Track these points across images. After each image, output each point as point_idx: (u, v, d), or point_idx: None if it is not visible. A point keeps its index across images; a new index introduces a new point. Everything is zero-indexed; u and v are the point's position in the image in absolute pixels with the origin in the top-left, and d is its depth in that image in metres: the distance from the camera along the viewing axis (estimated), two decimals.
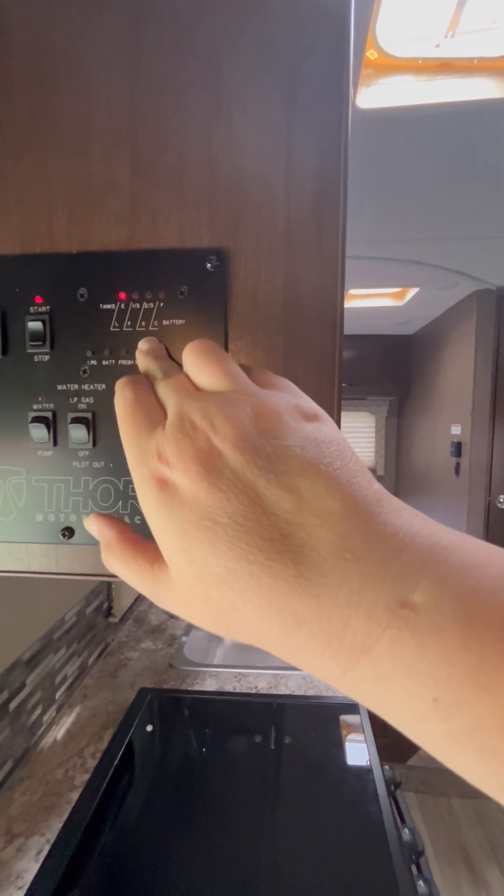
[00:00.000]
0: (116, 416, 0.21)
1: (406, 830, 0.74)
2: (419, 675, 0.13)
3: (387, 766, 0.86)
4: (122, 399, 0.21)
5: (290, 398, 0.20)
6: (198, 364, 0.20)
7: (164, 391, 0.21)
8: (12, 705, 0.83)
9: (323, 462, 0.17)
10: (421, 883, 0.66)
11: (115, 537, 0.21)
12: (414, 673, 0.13)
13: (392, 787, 0.83)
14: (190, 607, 0.18)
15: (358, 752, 0.89)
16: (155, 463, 0.18)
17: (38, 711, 0.91)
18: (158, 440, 0.18)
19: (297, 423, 0.18)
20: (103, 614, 1.27)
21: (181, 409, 0.19)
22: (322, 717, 0.98)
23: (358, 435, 3.89)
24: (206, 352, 0.20)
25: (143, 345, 0.25)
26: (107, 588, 1.29)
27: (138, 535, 0.21)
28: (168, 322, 0.27)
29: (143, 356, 0.24)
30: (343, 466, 0.17)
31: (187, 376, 0.21)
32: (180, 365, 0.22)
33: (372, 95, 1.07)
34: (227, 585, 0.16)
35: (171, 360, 0.24)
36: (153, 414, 0.20)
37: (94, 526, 0.22)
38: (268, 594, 0.16)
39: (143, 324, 0.27)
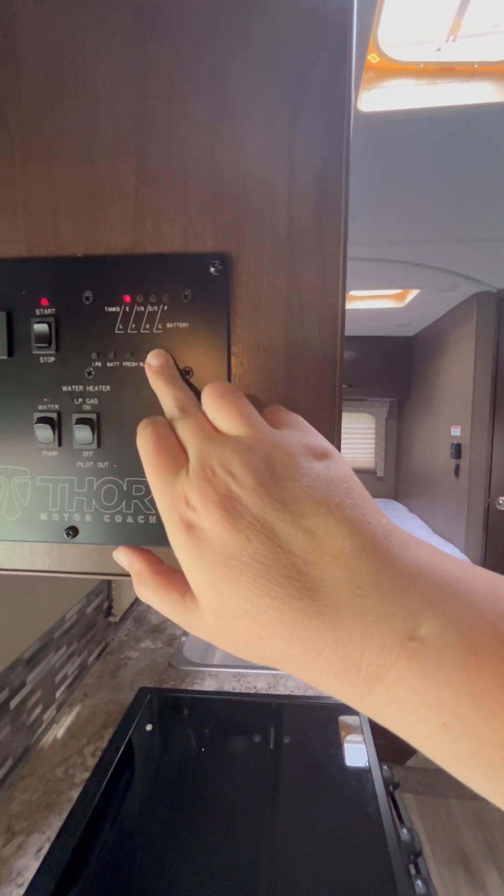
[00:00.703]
0: (141, 458, 0.22)
1: (404, 831, 0.74)
2: (428, 701, 0.15)
3: (385, 767, 0.86)
4: (145, 441, 0.22)
5: (301, 437, 0.21)
6: (215, 407, 0.22)
7: (184, 433, 0.22)
8: (13, 703, 0.83)
9: (333, 501, 0.19)
10: (419, 883, 0.66)
11: (146, 569, 0.22)
12: (423, 699, 0.15)
13: (391, 787, 0.83)
14: (220, 636, 0.20)
15: (357, 752, 0.89)
16: (182, 507, 0.20)
17: (38, 710, 0.91)
18: (184, 485, 0.20)
19: (309, 464, 0.20)
20: (103, 614, 1.27)
21: (202, 455, 0.20)
22: (321, 718, 0.98)
23: (358, 436, 3.89)
24: (224, 395, 0.22)
25: (152, 360, 0.27)
26: (107, 587, 1.29)
27: (167, 566, 0.23)
28: (172, 325, 0.28)
29: (157, 378, 0.26)
30: (352, 504, 0.19)
31: (205, 415, 0.22)
32: (188, 381, 0.24)
33: (373, 99, 1.08)
34: (251, 619, 0.18)
35: (185, 387, 0.25)
36: (176, 455, 0.21)
37: (123, 558, 0.24)
38: (289, 627, 0.17)
39: (148, 326, 0.28)
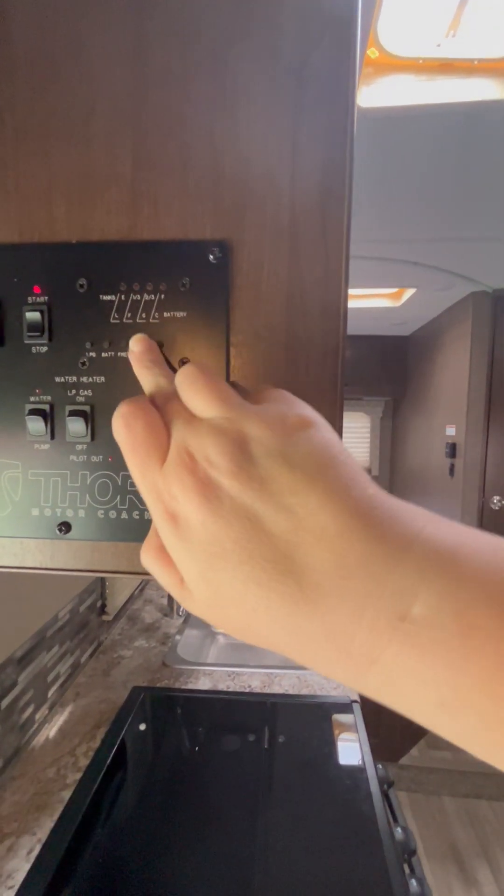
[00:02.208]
0: (119, 444, 0.21)
1: (399, 829, 0.74)
2: (425, 682, 0.14)
3: (380, 765, 0.86)
4: (120, 427, 0.21)
5: (279, 410, 0.20)
6: (189, 390, 0.21)
7: (165, 419, 0.21)
8: (4, 703, 0.82)
9: (313, 475, 0.18)
10: (413, 882, 0.66)
11: (154, 543, 0.22)
12: (420, 680, 0.14)
13: (385, 785, 0.83)
14: (214, 620, 0.20)
15: (351, 750, 0.89)
16: (166, 498, 0.19)
17: (29, 710, 0.90)
18: (165, 476, 0.19)
19: (286, 438, 0.19)
20: (97, 612, 1.26)
21: (178, 442, 0.20)
22: (315, 716, 0.98)
23: (353, 435, 3.90)
24: (196, 376, 0.21)
25: (134, 345, 0.25)
26: (100, 586, 1.28)
27: None
28: (169, 314, 0.27)
29: (138, 364, 0.24)
30: (335, 476, 0.18)
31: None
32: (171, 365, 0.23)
33: (372, 94, 1.07)
34: (240, 607, 0.18)
35: (168, 372, 0.24)
36: (156, 442, 0.20)
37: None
38: (276, 613, 0.17)
39: (144, 316, 0.27)
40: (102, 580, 1.28)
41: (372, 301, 2.73)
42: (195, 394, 0.21)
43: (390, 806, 0.81)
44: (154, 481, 0.20)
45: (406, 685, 0.15)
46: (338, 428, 0.28)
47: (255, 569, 0.17)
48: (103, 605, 1.30)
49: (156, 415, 0.21)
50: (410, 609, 0.15)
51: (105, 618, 1.30)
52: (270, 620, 0.17)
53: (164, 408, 0.22)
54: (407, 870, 0.69)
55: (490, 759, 0.15)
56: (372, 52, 1.04)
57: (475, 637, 0.14)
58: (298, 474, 0.18)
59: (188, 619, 1.42)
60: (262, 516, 0.17)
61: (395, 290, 2.63)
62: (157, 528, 0.20)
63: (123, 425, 0.21)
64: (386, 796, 0.81)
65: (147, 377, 0.24)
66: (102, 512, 0.28)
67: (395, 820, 0.78)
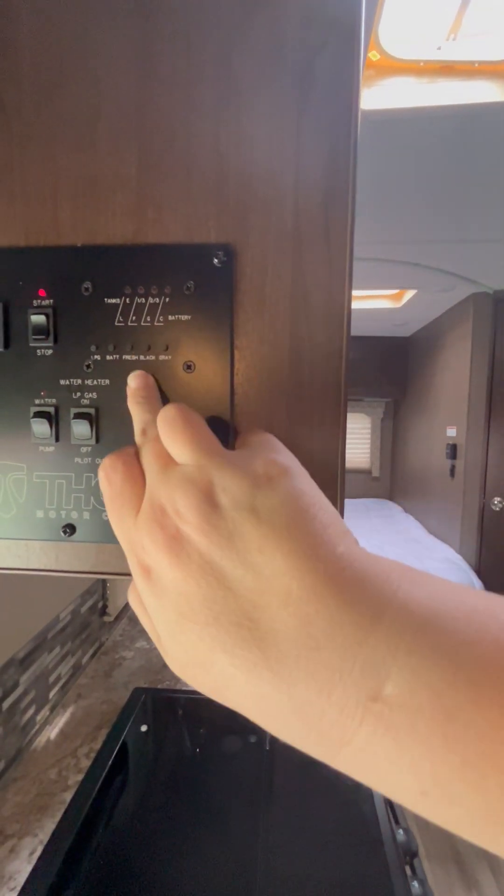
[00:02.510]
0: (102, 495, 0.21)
1: (400, 831, 0.74)
2: (402, 769, 0.13)
3: None
4: (102, 480, 0.21)
5: (253, 458, 0.20)
6: (165, 434, 0.21)
7: (143, 463, 0.21)
8: (5, 704, 0.82)
9: (281, 532, 0.17)
10: (415, 884, 0.66)
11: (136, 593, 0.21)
12: (397, 767, 0.13)
13: None
14: (188, 680, 0.18)
15: None
16: (139, 551, 0.19)
17: (31, 711, 0.90)
18: (138, 528, 0.19)
19: (257, 490, 0.18)
20: (98, 613, 1.26)
21: (151, 494, 0.19)
22: None
23: (354, 436, 3.90)
24: (173, 420, 0.20)
25: (130, 381, 0.26)
26: (102, 587, 1.28)
27: None
28: (174, 317, 0.27)
29: (130, 401, 0.25)
30: (304, 532, 0.17)
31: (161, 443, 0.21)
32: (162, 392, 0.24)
33: (373, 96, 1.07)
34: (207, 671, 0.17)
35: (157, 410, 0.24)
36: (134, 493, 0.20)
37: None
38: (244, 683, 0.16)
39: (149, 319, 0.27)
40: (104, 582, 1.28)
41: (373, 302, 2.74)
42: (172, 438, 0.20)
43: (392, 808, 0.81)
44: (129, 533, 0.19)
45: (382, 770, 0.14)
46: (341, 429, 0.28)
47: (220, 632, 0.16)
48: (104, 607, 1.30)
49: (135, 466, 0.21)
50: (382, 688, 0.13)
51: (106, 619, 1.30)
52: (238, 689, 0.16)
53: (144, 449, 0.22)
54: (408, 871, 0.69)
55: (487, 847, 0.13)
56: (373, 55, 1.04)
57: (456, 724, 0.13)
58: (265, 529, 0.17)
59: None
60: (228, 574, 0.16)
61: (395, 291, 2.63)
62: (134, 579, 0.19)
63: (104, 477, 0.21)
64: (387, 798, 0.81)
65: (136, 413, 0.24)
66: (106, 514, 0.28)
67: (397, 822, 0.78)
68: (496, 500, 2.41)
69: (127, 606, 1.45)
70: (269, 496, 0.18)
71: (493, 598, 0.15)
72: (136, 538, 0.19)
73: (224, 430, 0.26)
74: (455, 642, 0.13)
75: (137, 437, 0.23)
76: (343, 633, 0.14)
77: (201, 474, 0.18)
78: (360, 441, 3.92)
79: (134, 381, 0.26)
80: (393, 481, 3.84)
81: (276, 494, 0.18)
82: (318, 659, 0.14)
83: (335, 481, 0.28)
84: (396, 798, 0.14)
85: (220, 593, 0.16)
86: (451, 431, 2.62)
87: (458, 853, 1.69)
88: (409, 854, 0.72)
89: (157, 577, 0.18)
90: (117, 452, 0.22)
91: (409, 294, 2.51)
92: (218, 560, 0.17)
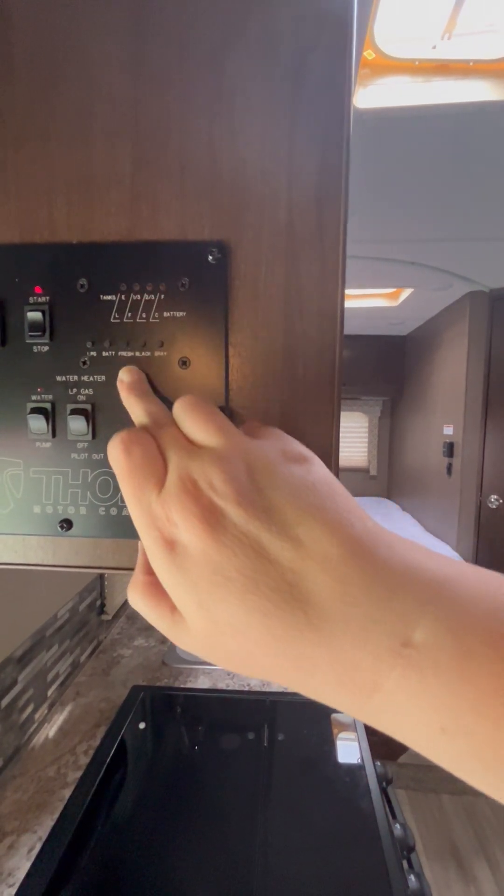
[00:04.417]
0: (115, 472, 0.21)
1: (397, 826, 0.75)
2: (425, 707, 0.15)
3: (378, 763, 0.87)
4: (119, 452, 0.21)
5: (277, 444, 0.21)
6: (189, 418, 0.21)
7: (165, 444, 0.21)
8: (4, 702, 0.82)
9: (317, 507, 0.18)
10: (412, 878, 0.67)
11: (139, 576, 0.22)
12: (421, 705, 0.15)
13: (384, 783, 0.83)
14: (209, 652, 0.19)
15: (350, 749, 0.89)
16: (163, 525, 0.19)
17: (29, 709, 0.90)
18: (164, 501, 0.19)
19: (289, 470, 0.20)
20: (96, 611, 1.26)
21: (180, 469, 0.19)
22: (314, 715, 0.98)
23: (351, 435, 3.90)
24: (196, 406, 0.21)
25: (124, 376, 0.26)
26: (100, 585, 1.28)
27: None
28: (169, 314, 0.27)
29: (129, 394, 0.25)
30: (336, 508, 0.18)
31: (179, 429, 0.22)
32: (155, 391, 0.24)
33: (368, 95, 1.08)
34: (242, 636, 0.17)
35: (159, 403, 0.24)
36: (154, 468, 0.20)
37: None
38: (281, 642, 0.17)
39: (144, 315, 0.27)
40: (101, 579, 1.28)
41: (369, 301, 2.74)
42: (195, 423, 0.21)
43: (389, 803, 0.81)
44: (150, 507, 0.19)
45: (407, 711, 0.15)
46: (335, 425, 0.28)
47: (261, 598, 0.17)
48: (102, 604, 1.30)
49: (153, 443, 0.21)
50: (413, 635, 0.15)
51: (104, 617, 1.30)
52: (275, 650, 0.17)
53: (159, 435, 0.21)
54: (405, 866, 0.69)
55: (482, 785, 0.15)
56: (368, 54, 1.05)
57: (473, 661, 0.14)
58: (304, 505, 0.18)
59: None
60: (267, 546, 0.17)
61: (392, 289, 2.64)
62: (150, 556, 0.19)
63: (123, 450, 0.20)
64: (385, 794, 0.82)
65: (139, 405, 0.24)
66: (104, 509, 0.28)
67: (394, 817, 0.79)
68: (492, 497, 2.42)
69: (125, 605, 1.45)
70: (302, 477, 0.19)
71: (491, 572, 0.17)
72: (159, 512, 0.19)
73: (235, 422, 0.27)
74: (472, 596, 0.15)
75: (146, 426, 0.23)
76: (379, 589, 0.16)
77: (236, 454, 0.19)
78: (357, 440, 3.92)
79: (128, 375, 0.26)
80: (390, 480, 3.85)
81: (308, 476, 0.20)
82: (355, 613, 0.16)
83: None
84: (416, 740, 0.15)
85: (259, 563, 0.17)
86: (448, 429, 2.62)
87: (455, 848, 1.70)
88: (407, 849, 0.73)
89: (185, 549, 0.18)
90: (131, 429, 0.22)
91: (406, 293, 2.51)
92: (256, 533, 0.18)
